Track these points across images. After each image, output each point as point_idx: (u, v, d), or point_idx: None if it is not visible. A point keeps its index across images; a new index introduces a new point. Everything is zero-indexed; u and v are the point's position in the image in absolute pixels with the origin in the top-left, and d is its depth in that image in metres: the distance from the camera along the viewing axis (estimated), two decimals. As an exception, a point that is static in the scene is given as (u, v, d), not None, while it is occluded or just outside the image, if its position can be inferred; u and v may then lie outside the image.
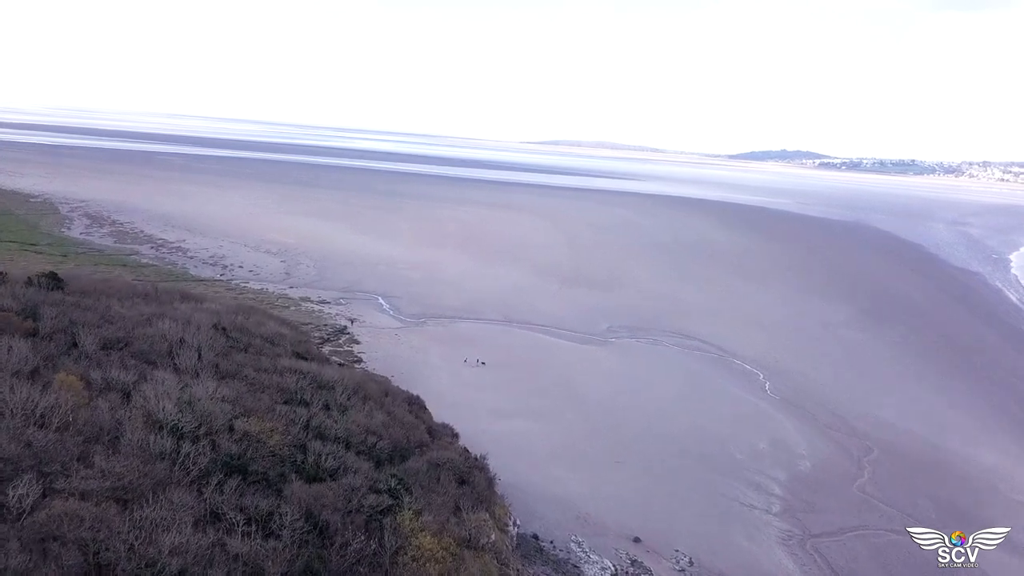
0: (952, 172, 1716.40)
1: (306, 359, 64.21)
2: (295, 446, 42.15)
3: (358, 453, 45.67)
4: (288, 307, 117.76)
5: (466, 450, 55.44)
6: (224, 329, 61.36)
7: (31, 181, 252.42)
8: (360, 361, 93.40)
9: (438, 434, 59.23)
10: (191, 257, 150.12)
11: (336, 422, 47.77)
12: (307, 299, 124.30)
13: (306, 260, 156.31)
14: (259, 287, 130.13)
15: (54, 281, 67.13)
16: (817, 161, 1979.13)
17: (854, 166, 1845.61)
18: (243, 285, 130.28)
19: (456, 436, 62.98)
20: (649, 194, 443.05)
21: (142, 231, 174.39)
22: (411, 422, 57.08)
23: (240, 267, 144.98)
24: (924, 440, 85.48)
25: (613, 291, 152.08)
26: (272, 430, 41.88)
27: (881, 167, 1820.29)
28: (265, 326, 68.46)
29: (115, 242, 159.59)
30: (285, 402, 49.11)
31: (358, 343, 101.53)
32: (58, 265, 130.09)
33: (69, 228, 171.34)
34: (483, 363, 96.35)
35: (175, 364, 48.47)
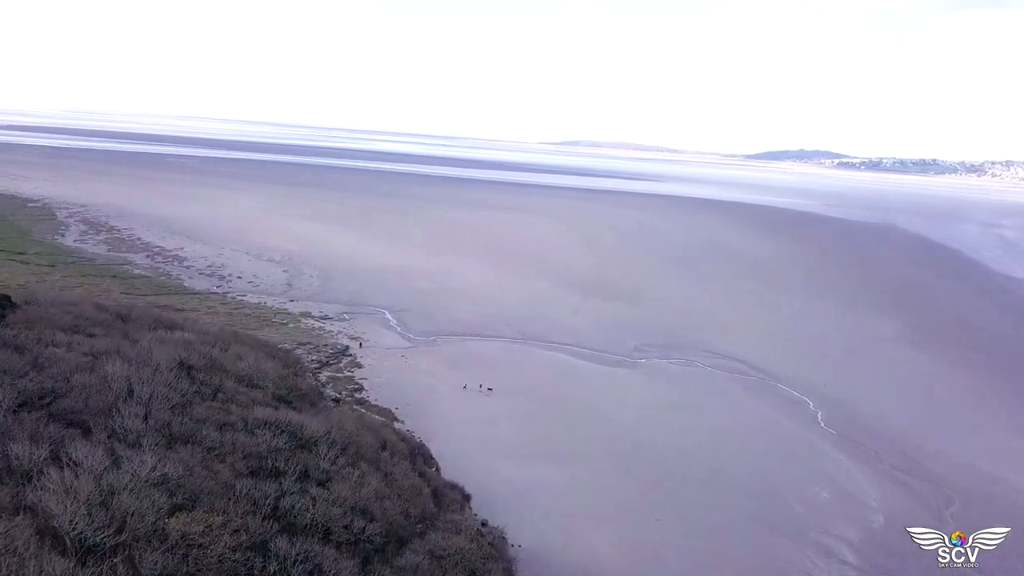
0: (975, 171, 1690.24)
1: (290, 402, 53.96)
2: (253, 547, 31.83)
3: (340, 545, 35.41)
4: (286, 324, 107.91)
5: (479, 532, 44.66)
6: (191, 368, 51.25)
7: (33, 185, 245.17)
8: (361, 389, 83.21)
9: (445, 499, 48.86)
10: (188, 267, 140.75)
11: (314, 501, 37.42)
12: (308, 314, 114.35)
13: (310, 269, 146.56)
14: (257, 301, 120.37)
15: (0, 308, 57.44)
16: (836, 161, 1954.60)
17: (874, 165, 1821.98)
18: (240, 299, 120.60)
19: (467, 498, 52.64)
20: (670, 195, 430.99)
21: (139, 238, 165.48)
22: (413, 486, 46.75)
23: (239, 278, 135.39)
24: (1007, 485, 73.99)
25: (639, 302, 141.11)
26: (223, 526, 31.56)
27: (901, 166, 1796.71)
28: (245, 360, 58.29)
29: (109, 250, 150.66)
30: (251, 473, 38.90)
31: (360, 367, 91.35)
32: (43, 277, 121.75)
33: (63, 235, 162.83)
34: (490, 389, 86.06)
35: (112, 427, 38.32)
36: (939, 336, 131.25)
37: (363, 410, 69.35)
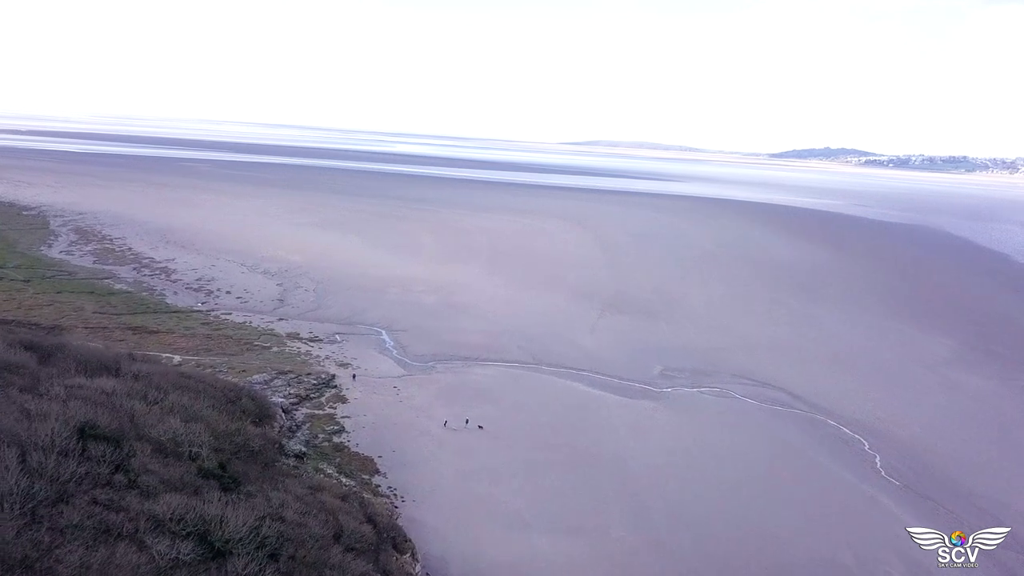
0: (1007, 168, 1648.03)
1: (222, 476, 42.50)
2: None
3: None
4: (269, 347, 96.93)
5: None
6: (93, 437, 39.98)
7: (35, 191, 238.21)
8: (342, 431, 71.82)
9: (412, 616, 37.08)
10: (174, 281, 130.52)
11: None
12: (296, 335, 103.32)
13: (306, 282, 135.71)
14: (242, 320, 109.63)
15: None
16: (863, 158, 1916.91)
17: (902, 163, 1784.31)
18: (224, 318, 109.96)
19: (444, 608, 40.72)
20: (693, 196, 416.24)
21: (130, 249, 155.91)
22: (367, 601, 35.09)
23: (228, 293, 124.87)
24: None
25: (663, 317, 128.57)
26: None
27: (930, 164, 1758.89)
28: (176, 416, 46.88)
29: (94, 262, 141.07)
30: (117, 617, 27.43)
31: (345, 401, 79.86)
32: (13, 295, 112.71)
33: (51, 246, 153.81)
34: (480, 427, 74.94)
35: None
36: (1006, 357, 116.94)
37: (331, 470, 57.68)
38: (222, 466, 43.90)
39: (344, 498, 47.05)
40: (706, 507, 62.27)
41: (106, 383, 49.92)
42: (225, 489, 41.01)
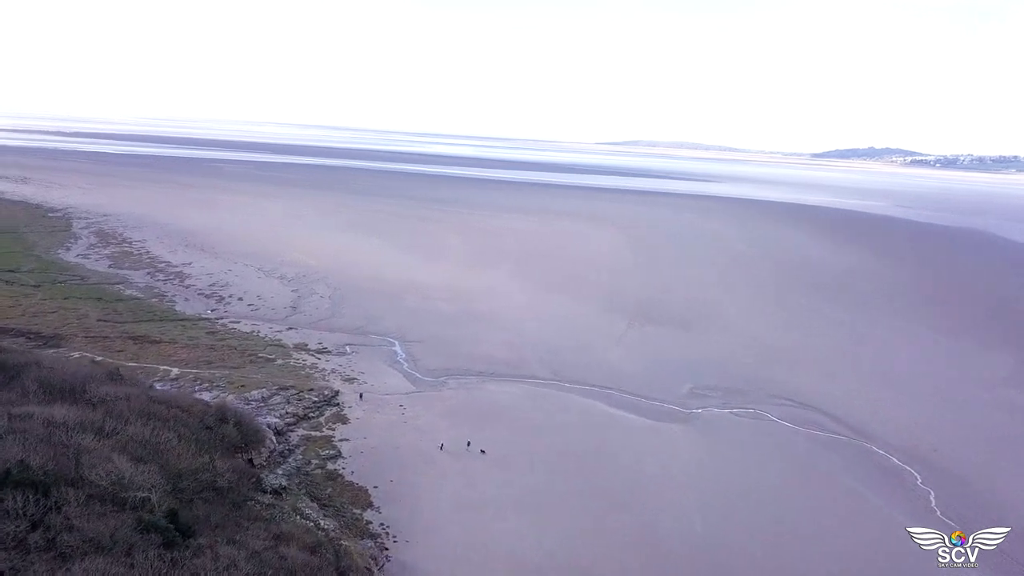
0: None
1: (163, 530, 36.76)
2: None
3: None
4: (274, 360, 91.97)
5: None
6: (17, 483, 34.70)
7: (65, 192, 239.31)
8: (338, 456, 66.27)
9: None
10: (187, 286, 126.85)
11: None
12: (304, 346, 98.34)
13: (323, 288, 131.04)
14: (250, 328, 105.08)
15: None
16: (908, 158, 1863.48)
17: (950, 163, 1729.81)
18: (231, 326, 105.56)
19: None
20: (732, 198, 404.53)
21: (148, 252, 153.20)
22: None
23: (240, 299, 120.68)
24: None
25: (696, 328, 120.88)
26: None
27: (980, 164, 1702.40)
28: (116, 460, 41.21)
29: (109, 266, 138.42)
30: None
31: (345, 422, 74.35)
32: (19, 300, 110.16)
33: (68, 249, 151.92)
34: (482, 452, 69.11)
35: None
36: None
37: (311, 510, 51.70)
38: (172, 514, 38.28)
39: (314, 549, 41.17)
40: (735, 554, 55.09)
41: (59, 411, 44.92)
42: (168, 545, 35.43)
